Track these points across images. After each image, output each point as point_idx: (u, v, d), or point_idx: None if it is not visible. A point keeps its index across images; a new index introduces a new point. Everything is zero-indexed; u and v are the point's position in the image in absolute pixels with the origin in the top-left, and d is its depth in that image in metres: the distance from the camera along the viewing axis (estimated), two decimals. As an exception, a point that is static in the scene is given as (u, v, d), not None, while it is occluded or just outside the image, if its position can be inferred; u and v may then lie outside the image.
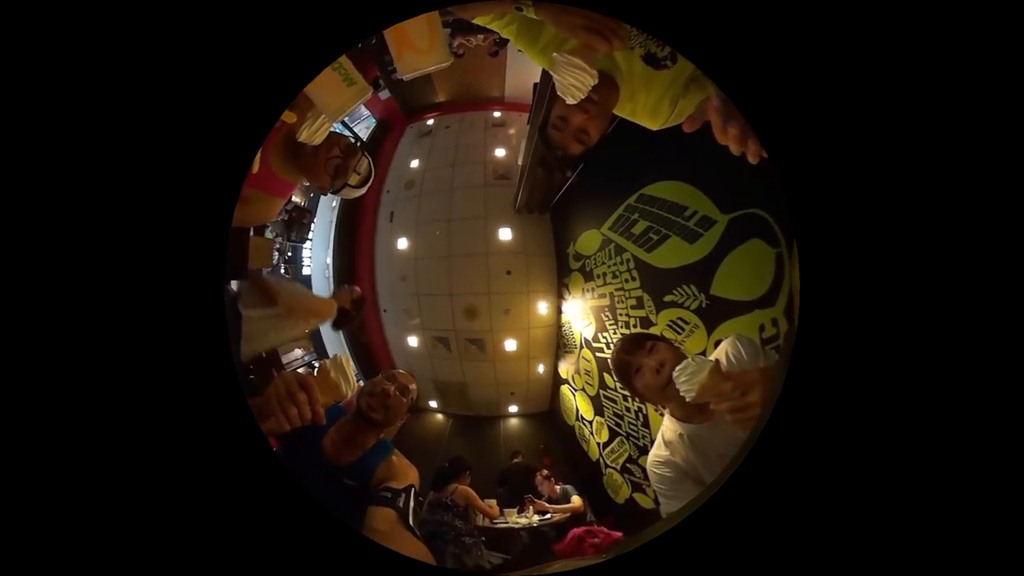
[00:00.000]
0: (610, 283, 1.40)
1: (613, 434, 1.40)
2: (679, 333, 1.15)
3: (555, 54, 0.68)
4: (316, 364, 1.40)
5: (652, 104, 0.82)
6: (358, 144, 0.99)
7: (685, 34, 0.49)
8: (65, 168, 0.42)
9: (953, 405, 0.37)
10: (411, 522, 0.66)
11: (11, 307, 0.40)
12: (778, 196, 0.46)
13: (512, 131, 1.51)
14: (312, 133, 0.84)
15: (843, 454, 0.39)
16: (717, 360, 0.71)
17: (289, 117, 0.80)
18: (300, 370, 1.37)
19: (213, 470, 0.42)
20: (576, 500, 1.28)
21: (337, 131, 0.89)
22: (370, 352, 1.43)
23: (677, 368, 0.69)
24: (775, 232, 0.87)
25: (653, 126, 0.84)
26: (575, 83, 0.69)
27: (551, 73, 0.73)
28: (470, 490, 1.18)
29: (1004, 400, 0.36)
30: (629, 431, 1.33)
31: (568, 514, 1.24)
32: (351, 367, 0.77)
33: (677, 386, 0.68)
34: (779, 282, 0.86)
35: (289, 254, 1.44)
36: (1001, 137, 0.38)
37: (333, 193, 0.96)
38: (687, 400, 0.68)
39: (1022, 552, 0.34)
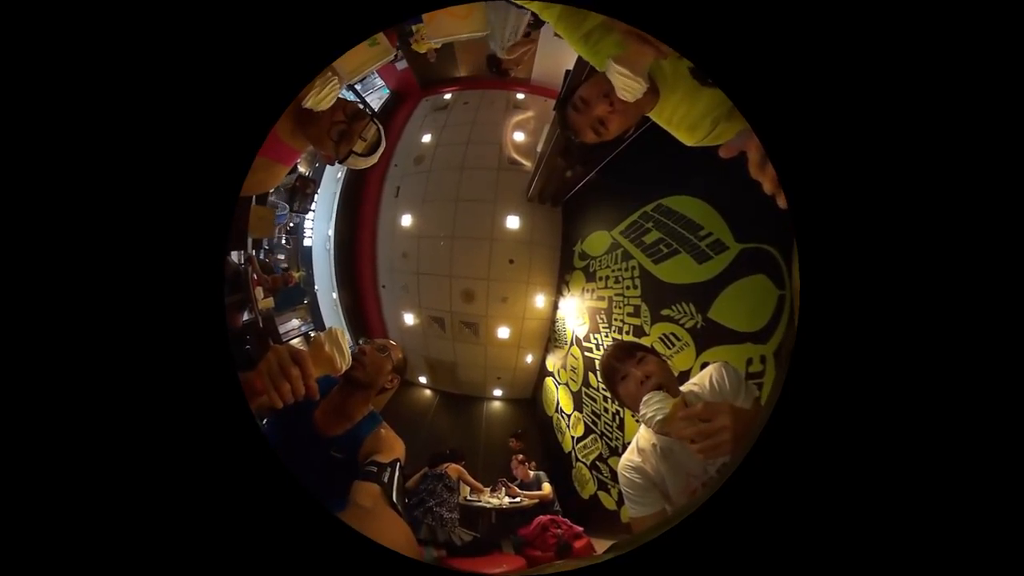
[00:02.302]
0: (611, 287, 1.40)
1: (588, 431, 1.46)
2: (669, 348, 1.18)
3: (609, 59, 0.67)
4: (312, 335, 1.41)
5: (692, 119, 0.79)
6: (367, 110, 0.89)
7: (693, 49, 0.48)
8: (64, 138, 0.39)
9: (949, 421, 0.37)
10: (394, 498, 0.69)
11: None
12: (791, 241, 0.47)
13: (535, 115, 1.44)
14: (319, 99, 0.78)
15: (843, 456, 0.39)
16: (683, 394, 0.73)
17: None
18: (295, 341, 1.38)
19: (199, 447, 0.43)
20: (547, 487, 1.36)
21: (346, 98, 0.83)
22: (366, 327, 1.44)
23: (644, 400, 0.70)
24: (783, 274, 0.87)
25: (688, 141, 0.81)
26: (625, 89, 0.68)
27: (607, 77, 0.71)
28: (462, 469, 1.25)
29: (1004, 405, 0.36)
30: (604, 431, 1.39)
31: (536, 500, 1.32)
32: (346, 340, 0.77)
33: (641, 417, 0.69)
34: (776, 322, 0.88)
35: (291, 224, 1.40)
36: (1000, 152, 0.39)
37: (340, 162, 0.89)
38: (652, 430, 0.69)
39: (1022, 552, 0.34)
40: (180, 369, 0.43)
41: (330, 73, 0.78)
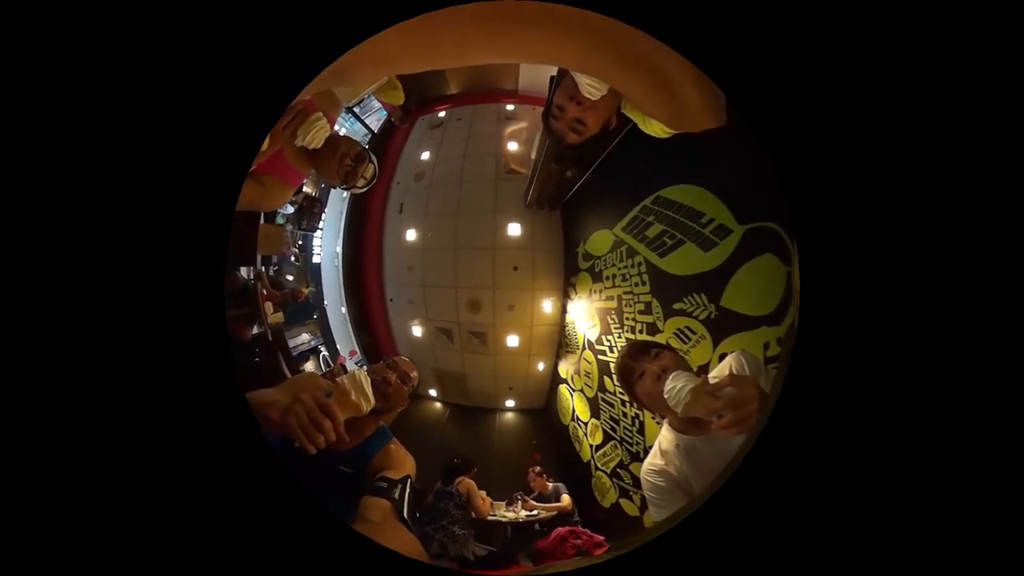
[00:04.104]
0: (619, 286, 1.38)
1: (607, 438, 1.40)
2: (685, 343, 1.13)
3: None
4: (329, 362, 1.45)
5: None
6: (367, 148, 1.09)
7: (690, 38, 0.48)
8: (64, 145, 0.42)
9: (950, 416, 0.37)
10: (405, 514, 0.68)
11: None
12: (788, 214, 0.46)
13: (526, 124, 1.48)
14: (310, 139, 0.92)
15: (842, 456, 0.39)
16: (705, 377, 0.73)
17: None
18: (315, 372, 1.42)
19: (205, 460, 0.43)
20: (566, 499, 1.30)
21: (341, 134, 1.02)
22: (375, 340, 1.45)
23: (670, 378, 0.70)
24: (789, 250, 0.84)
25: (661, 134, 0.83)
26: (591, 84, 0.71)
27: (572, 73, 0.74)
28: (472, 483, 1.22)
29: (1004, 403, 0.36)
30: (623, 436, 1.33)
31: (555, 512, 1.26)
32: (368, 383, 0.80)
33: (667, 395, 0.70)
34: (788, 301, 0.84)
35: (300, 242, 1.47)
36: (1000, 146, 0.38)
37: (341, 188, 1.07)
38: (677, 412, 0.69)
39: (1022, 552, 0.34)
40: (187, 381, 0.44)
41: (316, 115, 0.90)
